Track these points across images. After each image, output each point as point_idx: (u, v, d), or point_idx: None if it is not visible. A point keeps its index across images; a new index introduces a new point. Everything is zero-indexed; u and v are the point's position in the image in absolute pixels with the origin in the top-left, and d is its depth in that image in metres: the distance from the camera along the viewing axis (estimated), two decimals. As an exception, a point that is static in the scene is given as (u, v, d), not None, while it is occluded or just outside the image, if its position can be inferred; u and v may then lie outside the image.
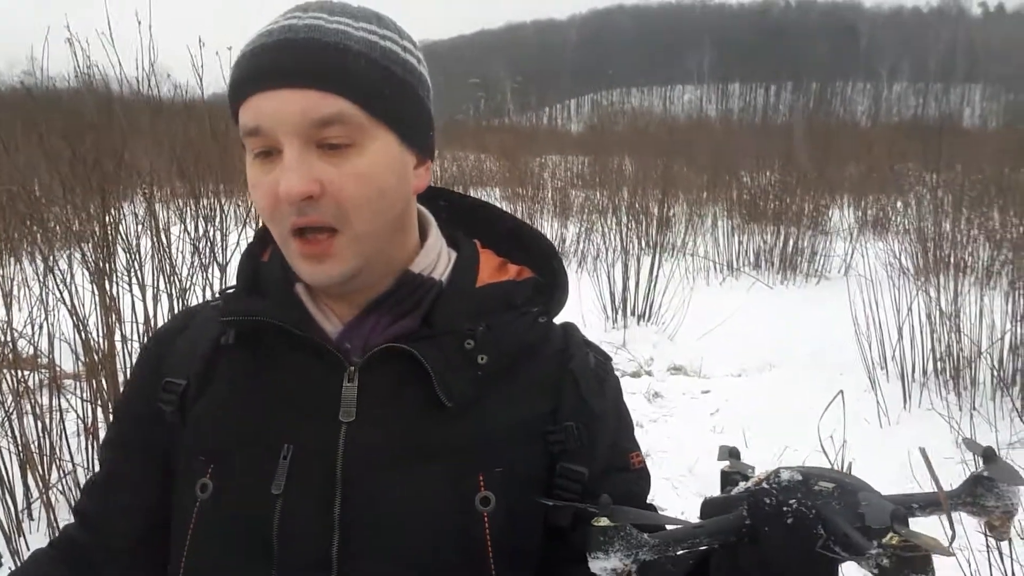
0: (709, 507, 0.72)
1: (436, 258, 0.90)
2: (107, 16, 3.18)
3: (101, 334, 3.04)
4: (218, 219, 3.32)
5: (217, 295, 0.94)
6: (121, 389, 3.02)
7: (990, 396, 5.06)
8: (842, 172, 12.48)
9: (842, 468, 3.73)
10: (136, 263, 3.09)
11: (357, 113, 0.78)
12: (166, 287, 3.14)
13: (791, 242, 9.57)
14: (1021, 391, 4.90)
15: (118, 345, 3.07)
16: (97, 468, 0.94)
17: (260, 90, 0.77)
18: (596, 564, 0.65)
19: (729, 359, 6.09)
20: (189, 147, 3.67)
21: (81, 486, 2.31)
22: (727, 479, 0.79)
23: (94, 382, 3.02)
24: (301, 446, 0.80)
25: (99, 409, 3.06)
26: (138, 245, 3.12)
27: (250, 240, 0.96)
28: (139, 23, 3.26)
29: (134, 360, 2.94)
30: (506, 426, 0.84)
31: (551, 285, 0.93)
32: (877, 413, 4.73)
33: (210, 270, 3.14)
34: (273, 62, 0.77)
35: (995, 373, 5.16)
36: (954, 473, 3.65)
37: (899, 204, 11.37)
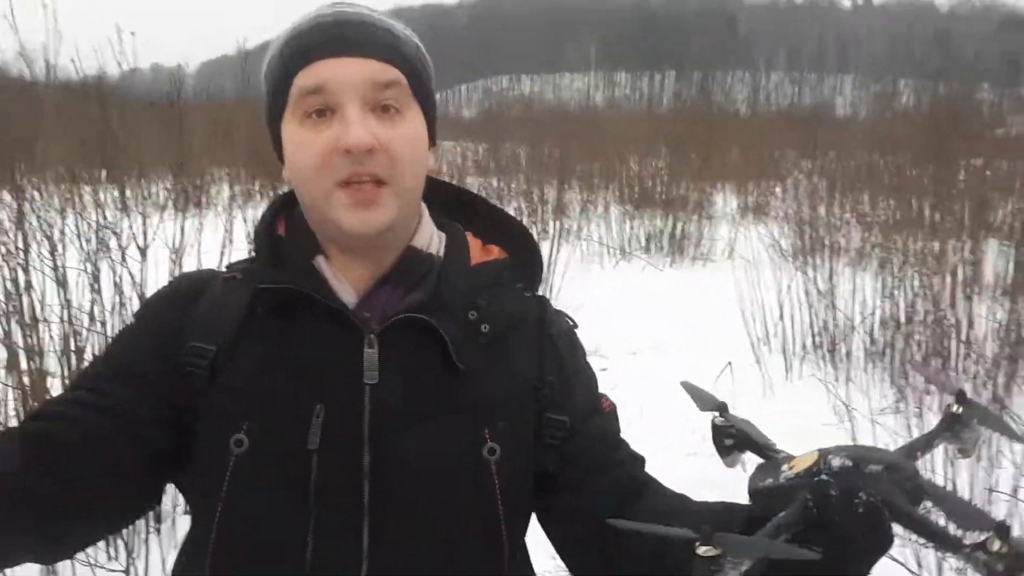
0: (761, 495, 0.77)
1: (430, 237, 1.00)
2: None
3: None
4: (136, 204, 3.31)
5: (227, 268, 1.02)
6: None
7: (862, 367, 5.51)
8: (725, 160, 13.02)
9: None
10: (50, 248, 3.07)
11: (406, 85, 0.92)
12: (88, 270, 3.12)
13: (679, 227, 9.99)
14: (891, 362, 5.35)
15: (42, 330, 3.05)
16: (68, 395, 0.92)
17: (327, 56, 0.88)
18: None
19: (625, 339, 6.35)
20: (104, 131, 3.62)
21: None
22: (722, 432, 0.87)
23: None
24: (331, 407, 0.89)
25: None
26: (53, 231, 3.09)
27: (262, 214, 1.03)
28: (44, 6, 3.25)
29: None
30: (504, 386, 0.96)
31: (529, 263, 1.06)
32: (762, 384, 5.08)
33: (127, 252, 3.13)
34: (340, 34, 0.89)
35: (866, 345, 5.62)
36: (832, 436, 3.99)
37: (778, 190, 11.98)
